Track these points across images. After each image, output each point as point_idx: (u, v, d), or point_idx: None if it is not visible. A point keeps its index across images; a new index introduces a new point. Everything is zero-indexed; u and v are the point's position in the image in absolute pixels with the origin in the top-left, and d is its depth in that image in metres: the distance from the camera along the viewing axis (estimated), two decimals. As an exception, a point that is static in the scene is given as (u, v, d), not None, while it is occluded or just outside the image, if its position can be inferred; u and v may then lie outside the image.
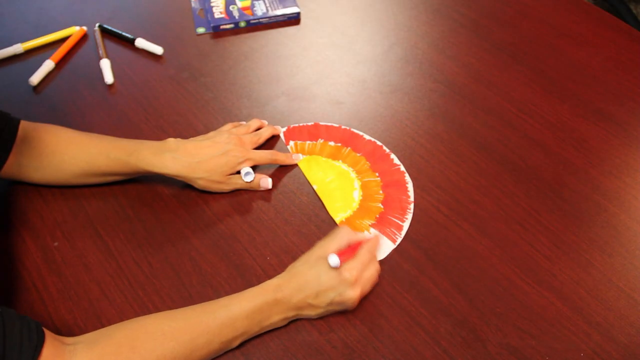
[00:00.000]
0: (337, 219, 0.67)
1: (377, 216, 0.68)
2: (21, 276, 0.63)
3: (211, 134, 0.71)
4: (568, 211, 0.69)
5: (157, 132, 0.76)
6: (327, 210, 0.69)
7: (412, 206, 0.69)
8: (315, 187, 0.71)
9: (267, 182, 0.70)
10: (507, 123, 0.79)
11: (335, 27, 0.94)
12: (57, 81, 0.83)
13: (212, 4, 0.95)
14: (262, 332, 0.57)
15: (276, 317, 0.56)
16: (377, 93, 0.83)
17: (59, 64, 0.85)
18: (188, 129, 0.77)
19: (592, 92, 0.84)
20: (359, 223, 0.67)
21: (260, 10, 0.94)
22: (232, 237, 0.66)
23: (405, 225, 0.67)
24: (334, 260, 0.56)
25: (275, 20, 0.94)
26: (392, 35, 0.93)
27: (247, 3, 0.95)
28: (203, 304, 0.55)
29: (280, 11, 0.94)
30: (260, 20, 0.93)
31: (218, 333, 0.53)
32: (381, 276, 0.63)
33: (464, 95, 0.83)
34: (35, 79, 0.82)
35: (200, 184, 0.67)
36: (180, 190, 0.71)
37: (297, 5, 0.95)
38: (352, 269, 0.56)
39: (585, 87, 0.84)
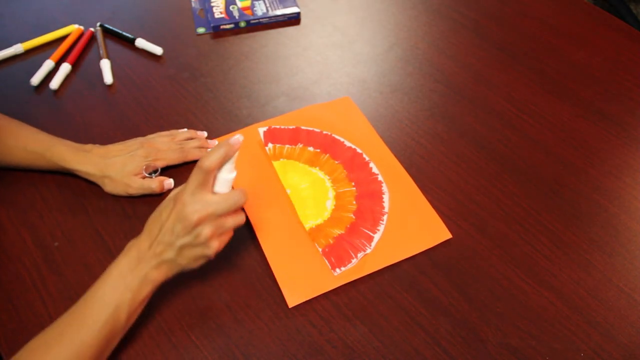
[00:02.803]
0: (307, 226, 0.67)
1: (348, 226, 0.67)
2: (21, 276, 0.63)
3: (128, 140, 0.72)
4: (568, 211, 0.69)
5: (157, 132, 0.76)
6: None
7: (385, 217, 0.68)
8: (288, 191, 0.70)
9: (169, 183, 0.70)
10: (507, 123, 0.79)
11: (335, 27, 0.94)
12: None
13: (212, 4, 0.95)
14: (144, 294, 0.54)
15: (143, 272, 0.54)
16: (377, 93, 0.83)
17: (59, 64, 0.85)
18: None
19: (592, 92, 0.84)
20: (329, 231, 0.66)
21: (260, 10, 0.94)
22: (232, 236, 0.66)
23: (376, 237, 0.66)
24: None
25: (275, 20, 0.94)
26: (392, 35, 0.93)
27: (247, 3, 0.95)
28: (79, 299, 0.54)
29: (280, 11, 0.94)
30: (260, 20, 0.93)
31: (93, 318, 0.52)
32: (381, 276, 0.63)
33: (464, 95, 0.83)
34: (36, 79, 0.82)
35: (107, 183, 0.68)
36: (180, 190, 0.71)
37: (297, 5, 0.95)
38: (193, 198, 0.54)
39: (585, 87, 0.84)
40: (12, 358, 0.50)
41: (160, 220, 0.55)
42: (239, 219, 0.57)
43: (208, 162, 0.53)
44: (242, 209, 0.59)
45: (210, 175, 0.54)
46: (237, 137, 0.54)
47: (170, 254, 0.55)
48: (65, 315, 0.53)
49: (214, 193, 0.55)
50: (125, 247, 0.56)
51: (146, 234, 0.56)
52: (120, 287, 0.53)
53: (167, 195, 0.70)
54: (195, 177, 0.54)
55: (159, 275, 0.55)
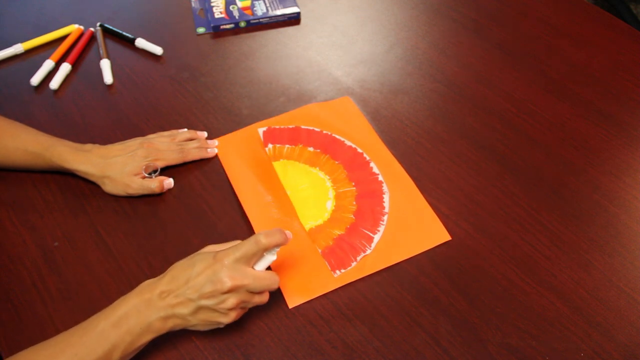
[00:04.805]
0: (307, 227, 0.67)
1: (348, 227, 0.67)
2: (21, 276, 0.63)
3: (128, 140, 0.72)
4: (568, 211, 0.69)
5: (157, 132, 0.76)
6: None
7: (385, 217, 0.68)
8: (288, 192, 0.70)
9: (169, 183, 0.70)
10: (507, 123, 0.79)
11: (335, 27, 0.94)
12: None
13: (212, 4, 0.95)
14: (142, 341, 0.52)
15: (148, 320, 0.52)
16: (377, 93, 0.83)
17: (59, 64, 0.85)
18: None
19: (592, 92, 0.84)
20: (329, 232, 0.66)
21: (260, 10, 0.94)
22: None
23: (376, 237, 0.66)
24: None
25: (275, 20, 0.94)
26: (392, 35, 0.93)
27: (247, 3, 0.95)
28: (80, 324, 0.52)
29: (280, 11, 0.94)
30: (260, 20, 0.93)
31: (87, 351, 0.50)
32: (381, 276, 0.63)
33: (464, 95, 0.83)
34: (36, 79, 0.82)
35: (107, 183, 0.68)
36: (180, 190, 0.71)
37: (297, 5, 0.95)
38: (237, 266, 0.53)
39: (585, 87, 0.84)
40: None
41: (190, 272, 0.53)
42: (263, 299, 0.57)
43: (267, 240, 0.54)
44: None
45: (262, 252, 0.55)
46: (290, 233, 0.57)
47: (185, 310, 0.53)
48: (61, 336, 0.51)
49: (252, 268, 0.56)
50: (140, 285, 0.54)
51: (167, 280, 0.53)
52: (123, 327, 0.51)
53: (167, 195, 0.70)
54: (247, 247, 0.54)
55: (163, 327, 0.53)
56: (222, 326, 0.55)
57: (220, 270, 0.52)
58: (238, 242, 0.56)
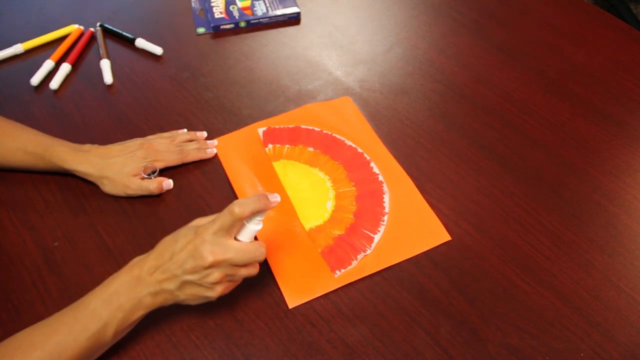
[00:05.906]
0: (307, 227, 0.67)
1: (348, 227, 0.67)
2: (21, 276, 0.63)
3: (128, 141, 0.72)
4: (568, 211, 0.69)
5: (157, 132, 0.76)
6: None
7: (385, 218, 0.68)
8: (288, 192, 0.70)
9: (168, 184, 0.70)
10: (507, 123, 0.79)
11: (335, 27, 0.94)
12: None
13: (212, 4, 0.95)
14: (135, 317, 0.53)
15: (139, 296, 0.52)
16: (377, 93, 0.83)
17: (59, 64, 0.85)
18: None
19: (592, 92, 0.84)
20: (329, 232, 0.66)
21: (260, 10, 0.94)
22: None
23: (377, 238, 0.66)
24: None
25: (275, 20, 0.94)
26: (392, 35, 0.93)
27: (247, 3, 0.95)
28: (73, 303, 0.53)
29: (280, 11, 0.94)
30: (261, 20, 0.93)
31: (81, 328, 0.51)
32: (381, 276, 0.63)
33: (464, 95, 0.83)
34: (36, 79, 0.82)
35: (106, 184, 0.68)
36: (180, 190, 0.71)
37: (297, 5, 0.95)
38: (218, 240, 0.52)
39: (585, 87, 0.84)
40: None
41: (174, 248, 0.53)
42: (253, 271, 0.55)
43: (241, 210, 0.52)
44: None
45: (239, 223, 0.53)
46: (276, 196, 0.54)
47: (171, 286, 0.53)
48: (55, 316, 0.52)
49: (236, 239, 0.54)
50: (129, 262, 0.54)
51: (154, 256, 0.54)
52: (114, 304, 0.52)
53: (167, 195, 0.70)
54: (223, 219, 0.52)
55: (154, 303, 0.54)
56: (213, 300, 0.55)
57: (201, 245, 0.51)
58: None
